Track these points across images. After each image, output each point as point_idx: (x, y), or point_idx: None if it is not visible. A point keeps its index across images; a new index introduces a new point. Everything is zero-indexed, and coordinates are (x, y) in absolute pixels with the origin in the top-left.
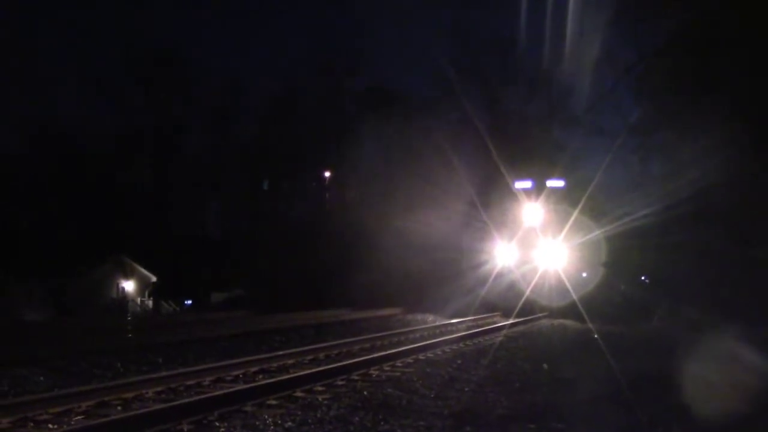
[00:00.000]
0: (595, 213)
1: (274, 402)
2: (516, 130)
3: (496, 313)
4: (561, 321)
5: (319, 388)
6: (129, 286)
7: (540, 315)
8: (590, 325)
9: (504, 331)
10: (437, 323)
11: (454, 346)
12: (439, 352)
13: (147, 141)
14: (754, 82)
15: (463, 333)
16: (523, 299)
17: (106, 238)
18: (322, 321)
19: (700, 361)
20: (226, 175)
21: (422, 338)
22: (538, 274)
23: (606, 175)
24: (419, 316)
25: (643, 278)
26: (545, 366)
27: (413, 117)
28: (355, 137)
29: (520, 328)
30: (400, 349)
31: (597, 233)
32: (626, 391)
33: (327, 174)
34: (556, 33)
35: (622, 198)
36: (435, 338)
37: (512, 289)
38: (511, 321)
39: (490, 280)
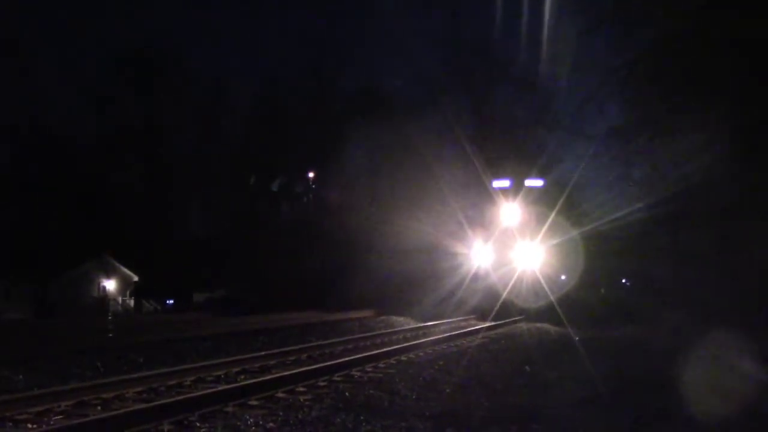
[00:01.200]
0: (575, 213)
1: (255, 402)
2: (501, 132)
3: (472, 316)
4: (539, 325)
5: (301, 389)
6: (110, 285)
7: (517, 318)
8: (569, 329)
9: (480, 335)
10: (409, 326)
11: (428, 350)
12: (412, 356)
13: (133, 141)
14: (738, 85)
15: (435, 337)
16: (500, 301)
17: (88, 237)
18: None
19: (682, 365)
20: (211, 174)
21: (391, 342)
22: (515, 276)
23: (587, 178)
24: (393, 319)
25: (623, 281)
26: (527, 368)
27: (399, 119)
28: (341, 138)
29: (497, 331)
30: (372, 353)
31: (576, 234)
32: (607, 395)
33: (312, 174)
34: (541, 36)
35: (603, 200)
36: (404, 342)
37: (489, 291)
38: (487, 324)
39: (466, 282)
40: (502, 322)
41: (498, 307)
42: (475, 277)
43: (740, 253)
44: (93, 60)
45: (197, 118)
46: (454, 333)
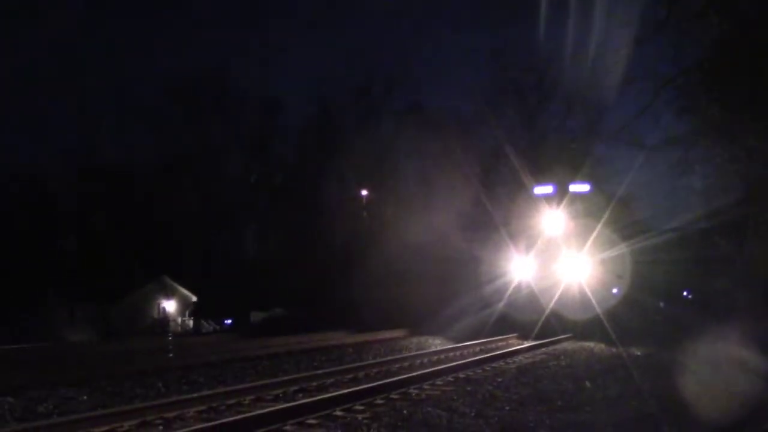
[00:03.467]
0: (628, 222)
1: (314, 421)
2: (554, 146)
3: (512, 335)
4: (589, 344)
5: (359, 407)
6: (170, 306)
7: (562, 336)
8: (621, 349)
9: (519, 357)
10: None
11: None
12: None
13: (188, 164)
14: None
15: (467, 360)
16: (544, 317)
17: (148, 259)
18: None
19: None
20: (266, 194)
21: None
22: (561, 289)
23: (641, 186)
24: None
25: (684, 293)
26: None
27: (451, 136)
28: (393, 156)
29: (542, 352)
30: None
31: (630, 244)
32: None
33: (365, 193)
34: (592, 47)
35: (661, 209)
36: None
37: (531, 306)
38: (528, 344)
39: (507, 296)
40: (546, 341)
41: (541, 324)
42: (517, 290)
43: None
44: (147, 85)
45: (249, 139)
46: (488, 356)
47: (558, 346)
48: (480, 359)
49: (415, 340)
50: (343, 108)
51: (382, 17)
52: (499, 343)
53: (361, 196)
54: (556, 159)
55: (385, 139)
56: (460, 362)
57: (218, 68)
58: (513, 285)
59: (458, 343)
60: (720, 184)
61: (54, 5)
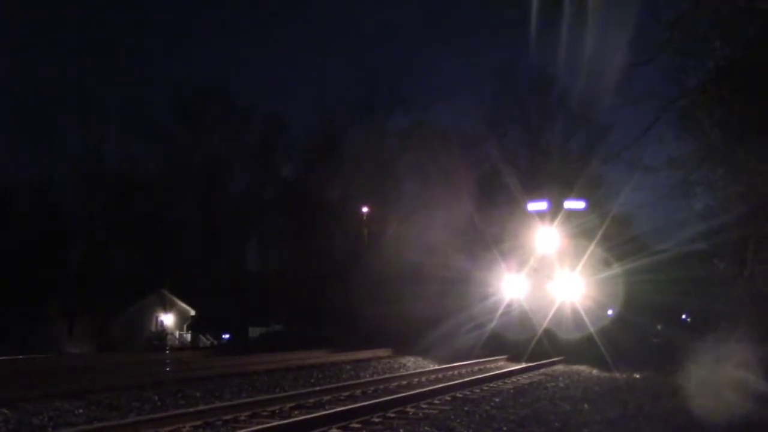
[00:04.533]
0: (624, 240)
1: None
2: (555, 165)
3: (502, 357)
4: (582, 367)
5: (356, 425)
6: (168, 319)
7: (555, 359)
8: (616, 373)
9: (512, 380)
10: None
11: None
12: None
13: (190, 178)
14: None
15: (452, 383)
16: (536, 339)
17: (147, 272)
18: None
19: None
20: (267, 210)
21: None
22: (554, 309)
23: (643, 210)
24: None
25: (683, 317)
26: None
27: (452, 154)
28: (396, 173)
29: (534, 374)
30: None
31: (626, 264)
32: None
33: (366, 210)
34: (596, 69)
35: (659, 229)
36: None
37: (523, 326)
38: (520, 366)
39: (497, 315)
40: (538, 364)
41: (533, 345)
42: (508, 310)
43: None
44: (151, 98)
45: (251, 153)
46: (476, 378)
47: (550, 369)
48: (463, 383)
49: (398, 360)
50: (346, 124)
51: (386, 35)
52: (487, 365)
53: (362, 213)
54: (555, 177)
55: (388, 156)
56: (433, 387)
57: (221, 82)
58: (504, 304)
59: (443, 364)
60: (721, 205)
61: (59, 17)
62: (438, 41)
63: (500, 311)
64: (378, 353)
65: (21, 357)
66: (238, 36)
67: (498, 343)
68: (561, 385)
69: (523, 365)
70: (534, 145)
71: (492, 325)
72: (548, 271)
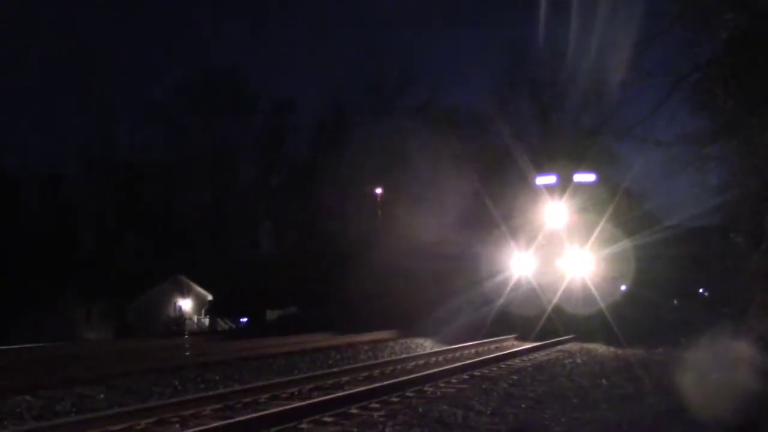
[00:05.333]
0: (637, 214)
1: (329, 419)
2: (566, 141)
3: (511, 336)
4: (594, 345)
5: (375, 405)
6: (186, 304)
7: (565, 338)
8: (630, 351)
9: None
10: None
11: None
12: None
13: (201, 162)
14: None
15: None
16: (545, 317)
17: (164, 258)
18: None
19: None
20: (278, 194)
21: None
22: (563, 286)
23: (657, 185)
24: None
25: (701, 291)
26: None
27: (463, 133)
28: (406, 154)
29: (540, 356)
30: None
31: (639, 237)
32: None
33: (378, 191)
34: (608, 43)
35: (674, 205)
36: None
37: (531, 304)
38: (528, 345)
39: (506, 292)
40: (547, 342)
41: (542, 323)
42: (517, 287)
43: None
44: (161, 85)
45: (262, 138)
46: (494, 356)
47: (559, 348)
48: (480, 361)
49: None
50: (356, 106)
51: (395, 14)
52: (492, 346)
53: (375, 194)
54: (566, 154)
55: (398, 136)
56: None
57: (229, 67)
58: (513, 281)
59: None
60: (736, 180)
61: (67, 5)
62: (448, 19)
63: (508, 288)
64: (382, 335)
65: (40, 345)
66: (245, 21)
67: (507, 321)
68: (578, 361)
69: (532, 345)
70: (545, 122)
71: (500, 302)
72: (558, 247)
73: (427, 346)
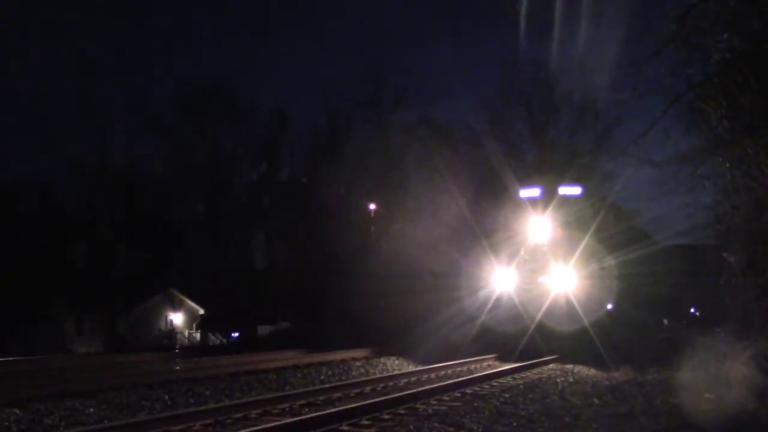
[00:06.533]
0: (624, 228)
1: None
2: (562, 160)
3: (490, 356)
4: (578, 368)
5: (365, 422)
6: (177, 318)
7: (548, 358)
8: (614, 373)
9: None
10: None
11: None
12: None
13: (196, 175)
14: None
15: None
16: (528, 335)
17: (155, 271)
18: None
19: None
20: (273, 207)
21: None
22: (546, 304)
23: (650, 204)
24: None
25: (692, 311)
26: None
27: (457, 148)
28: (402, 169)
29: (524, 376)
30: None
31: (627, 253)
32: None
33: (372, 206)
34: (602, 63)
35: (664, 221)
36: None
37: (513, 322)
38: (510, 366)
39: (486, 310)
40: (530, 363)
41: (524, 343)
42: (498, 304)
43: None
44: (157, 95)
45: (257, 150)
46: (485, 374)
47: (539, 370)
48: (469, 379)
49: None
50: (352, 120)
51: (391, 29)
52: (473, 366)
53: (369, 210)
54: (561, 171)
55: (392, 151)
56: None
57: (225, 79)
58: (494, 298)
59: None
60: (729, 199)
61: (63, 16)
62: (444, 35)
63: (489, 305)
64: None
65: (30, 357)
66: (241, 33)
67: (488, 340)
68: (565, 383)
69: (512, 366)
70: (540, 140)
71: (480, 320)
72: (541, 263)
73: (392, 367)
